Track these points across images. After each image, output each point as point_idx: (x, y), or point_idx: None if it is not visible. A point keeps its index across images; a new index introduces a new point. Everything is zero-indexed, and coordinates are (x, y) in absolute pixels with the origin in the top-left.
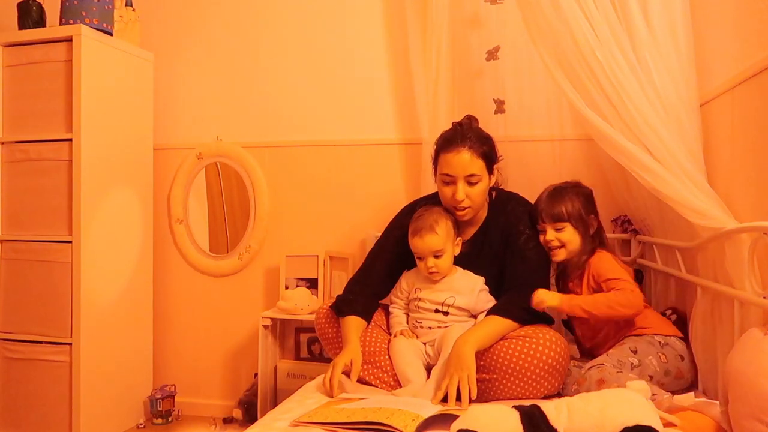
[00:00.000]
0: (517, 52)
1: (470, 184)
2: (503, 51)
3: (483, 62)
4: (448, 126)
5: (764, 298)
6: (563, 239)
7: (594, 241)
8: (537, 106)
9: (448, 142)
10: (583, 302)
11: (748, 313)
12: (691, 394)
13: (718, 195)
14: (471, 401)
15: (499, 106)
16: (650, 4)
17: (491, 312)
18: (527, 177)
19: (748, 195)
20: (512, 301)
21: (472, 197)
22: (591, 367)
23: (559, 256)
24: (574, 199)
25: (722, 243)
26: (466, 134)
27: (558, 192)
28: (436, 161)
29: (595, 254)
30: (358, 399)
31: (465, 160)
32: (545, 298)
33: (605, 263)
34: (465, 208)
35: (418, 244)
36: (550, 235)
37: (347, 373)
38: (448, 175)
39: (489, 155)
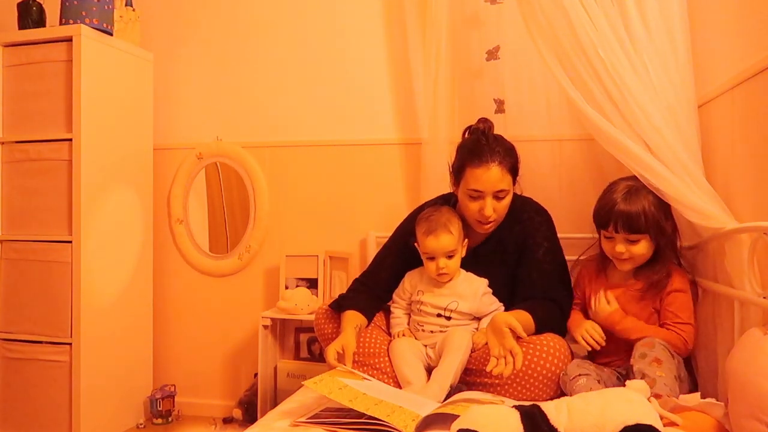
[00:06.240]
0: (517, 52)
1: (498, 198)
2: (503, 51)
3: (483, 62)
4: (448, 126)
5: (764, 298)
6: (635, 252)
7: (670, 251)
8: (537, 106)
9: (475, 155)
10: (634, 331)
11: (748, 313)
12: (697, 394)
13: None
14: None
15: (499, 106)
16: (648, 8)
17: (524, 308)
18: (527, 177)
19: (748, 195)
20: (546, 314)
21: (498, 210)
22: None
23: (625, 266)
24: (650, 201)
25: (722, 243)
26: (494, 148)
27: (633, 194)
28: (460, 173)
29: (678, 283)
30: (362, 377)
31: (495, 177)
32: (605, 307)
33: (687, 303)
34: (491, 222)
35: (433, 243)
36: (621, 247)
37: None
38: (476, 190)
39: (515, 167)
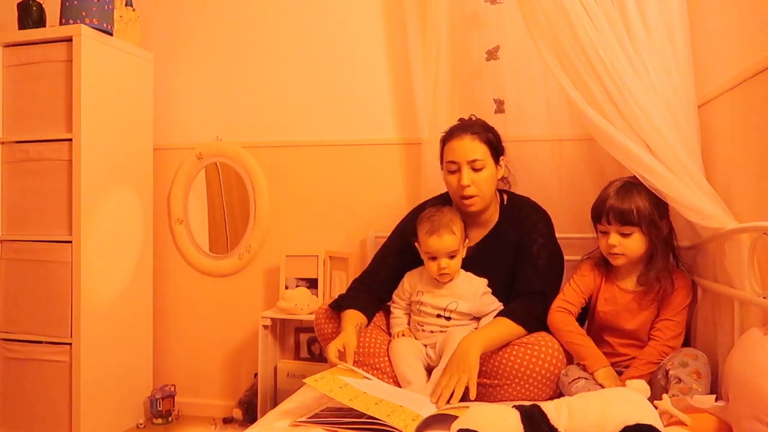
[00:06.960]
0: (517, 52)
1: (474, 170)
2: (503, 51)
3: (483, 62)
4: (448, 126)
5: (764, 298)
6: (628, 247)
7: (665, 249)
8: (537, 106)
9: (452, 132)
10: (646, 365)
11: (748, 313)
12: (712, 396)
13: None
14: (469, 401)
15: (499, 106)
16: (648, 8)
17: (502, 314)
18: (527, 177)
19: (748, 195)
20: (525, 307)
21: (477, 185)
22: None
23: (619, 261)
24: (645, 197)
25: (722, 243)
26: (469, 124)
27: (628, 189)
28: (442, 153)
29: (675, 282)
30: (363, 376)
31: (467, 145)
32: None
33: (682, 303)
34: (472, 197)
35: (436, 243)
36: (614, 239)
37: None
38: (452, 162)
39: (493, 142)
